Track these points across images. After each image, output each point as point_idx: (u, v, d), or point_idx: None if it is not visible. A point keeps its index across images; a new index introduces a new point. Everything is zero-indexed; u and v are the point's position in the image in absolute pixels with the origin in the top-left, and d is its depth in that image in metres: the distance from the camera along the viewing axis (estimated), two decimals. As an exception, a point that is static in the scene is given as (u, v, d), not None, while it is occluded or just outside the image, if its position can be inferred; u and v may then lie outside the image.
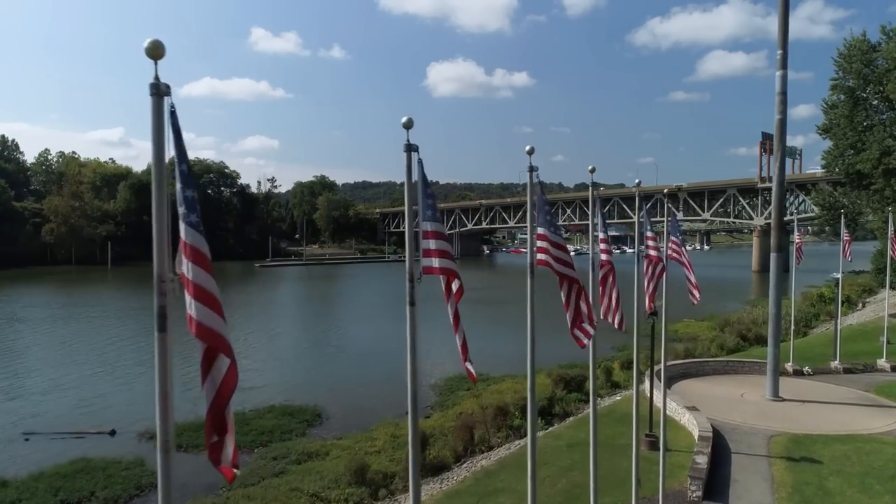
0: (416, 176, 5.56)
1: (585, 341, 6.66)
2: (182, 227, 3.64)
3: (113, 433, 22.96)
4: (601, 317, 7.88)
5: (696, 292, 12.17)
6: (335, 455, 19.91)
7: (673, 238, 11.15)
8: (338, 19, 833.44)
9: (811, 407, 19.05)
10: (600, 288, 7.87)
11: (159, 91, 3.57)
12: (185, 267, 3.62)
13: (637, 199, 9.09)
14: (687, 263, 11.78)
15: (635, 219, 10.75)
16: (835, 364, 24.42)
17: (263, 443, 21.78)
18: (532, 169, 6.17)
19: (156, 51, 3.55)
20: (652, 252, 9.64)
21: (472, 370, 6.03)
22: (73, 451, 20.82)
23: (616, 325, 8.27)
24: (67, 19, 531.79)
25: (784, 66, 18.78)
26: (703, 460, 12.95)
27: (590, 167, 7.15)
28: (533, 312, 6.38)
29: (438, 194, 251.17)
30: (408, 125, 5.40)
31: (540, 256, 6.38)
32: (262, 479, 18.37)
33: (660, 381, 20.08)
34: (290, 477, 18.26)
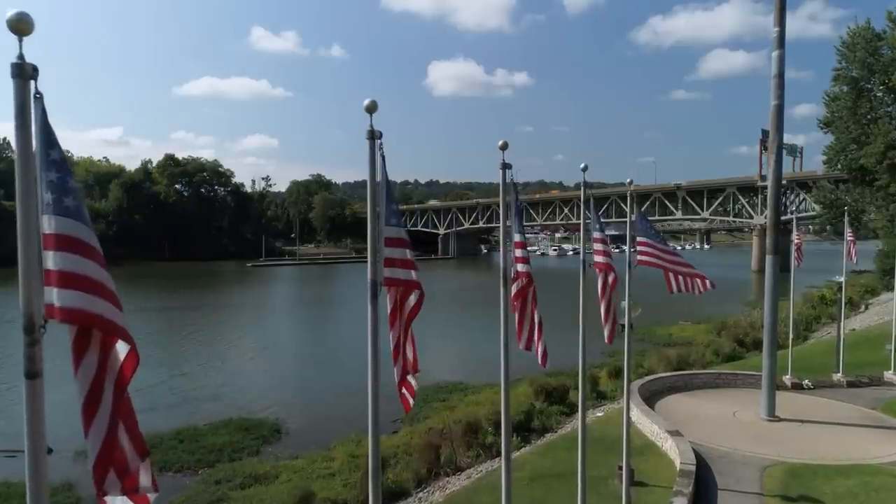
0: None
1: (411, 402, 4.79)
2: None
3: (50, 451, 20.99)
4: (520, 347, 5.92)
5: (699, 282, 9.74)
6: (285, 478, 18.18)
7: (641, 240, 9.04)
8: (337, 18, 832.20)
9: (811, 428, 17.04)
10: (517, 308, 5.83)
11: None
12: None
13: (582, 192, 7.18)
14: (666, 266, 9.66)
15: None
16: (837, 376, 22.42)
17: (210, 463, 20.02)
18: (378, 136, 4.29)
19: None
20: (599, 259, 7.50)
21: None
22: (-1, 473, 18.96)
23: (539, 360, 6.25)
24: (67, 19, 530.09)
25: (781, 45, 16.73)
26: (681, 503, 10.94)
27: (501, 150, 5.11)
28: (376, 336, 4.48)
29: (439, 193, 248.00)
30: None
31: (387, 274, 4.46)
32: (197, 507, 16.58)
33: (636, 401, 18.28)
34: (228, 505, 16.51)
